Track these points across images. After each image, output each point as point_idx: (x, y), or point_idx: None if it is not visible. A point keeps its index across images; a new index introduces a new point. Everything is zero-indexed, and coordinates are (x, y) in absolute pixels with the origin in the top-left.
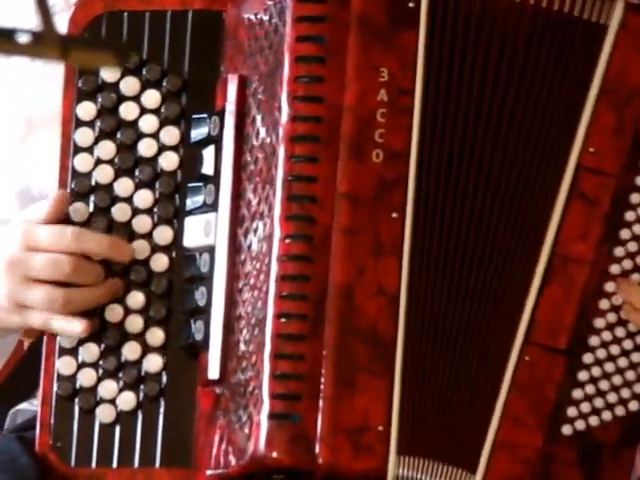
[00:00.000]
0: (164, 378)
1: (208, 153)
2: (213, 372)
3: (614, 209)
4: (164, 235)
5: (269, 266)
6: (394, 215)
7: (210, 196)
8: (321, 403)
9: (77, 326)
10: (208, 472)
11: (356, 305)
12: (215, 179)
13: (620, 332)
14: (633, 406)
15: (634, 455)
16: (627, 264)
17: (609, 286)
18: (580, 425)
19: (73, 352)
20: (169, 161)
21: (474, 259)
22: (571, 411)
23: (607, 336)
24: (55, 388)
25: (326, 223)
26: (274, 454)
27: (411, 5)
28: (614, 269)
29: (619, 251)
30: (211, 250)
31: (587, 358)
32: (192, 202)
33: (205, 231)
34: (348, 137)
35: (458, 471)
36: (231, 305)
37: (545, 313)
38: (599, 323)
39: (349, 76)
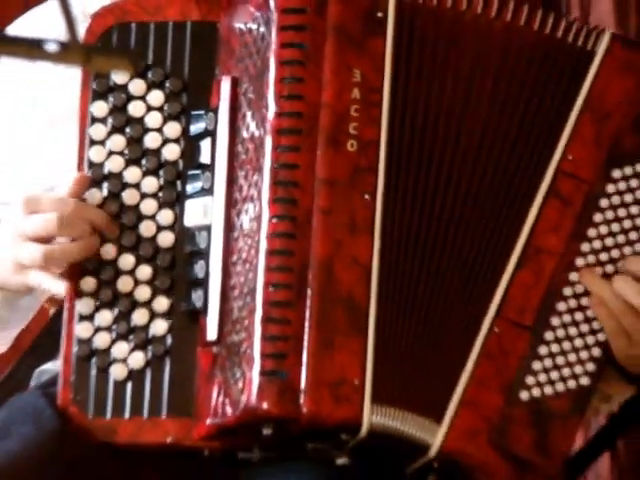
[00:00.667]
0: (169, 340)
1: (205, 145)
2: (211, 334)
3: (585, 210)
4: (168, 216)
5: (259, 242)
6: (367, 197)
7: (207, 182)
8: (305, 361)
9: (60, 286)
10: (208, 421)
11: (334, 276)
12: (211, 167)
13: (579, 316)
14: (584, 381)
15: (580, 424)
16: (591, 259)
17: (573, 276)
18: (536, 392)
19: (90, 318)
20: (171, 152)
21: (447, 239)
22: (530, 380)
23: (567, 319)
24: (75, 350)
25: (307, 205)
26: (264, 405)
27: (379, 15)
28: (579, 262)
29: (585, 247)
30: (208, 229)
31: (548, 336)
32: (192, 187)
33: (203, 212)
34: (326, 130)
35: (426, 421)
36: (226, 276)
37: (516, 293)
38: (561, 307)
39: (326, 77)
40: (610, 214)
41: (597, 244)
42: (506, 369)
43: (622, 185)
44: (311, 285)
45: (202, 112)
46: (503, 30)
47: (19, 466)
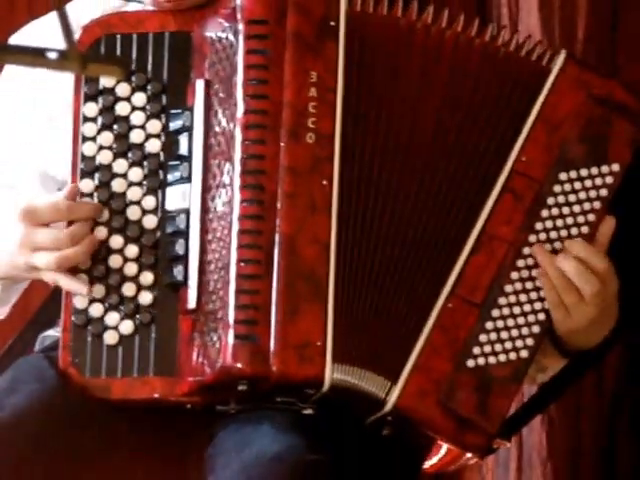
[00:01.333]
0: (154, 309)
1: (183, 139)
2: (191, 304)
3: (534, 206)
4: (151, 202)
5: (231, 223)
6: (324, 182)
7: (185, 171)
8: (273, 326)
9: (82, 287)
10: (189, 379)
11: (297, 252)
12: (189, 158)
13: (523, 298)
14: (523, 353)
15: (518, 391)
16: None
17: (520, 262)
18: (481, 361)
19: None
20: (154, 146)
21: (401, 224)
22: (476, 350)
23: (512, 299)
24: (73, 318)
25: (273, 190)
26: (239, 365)
27: (332, 24)
28: (526, 251)
29: (532, 238)
30: (187, 212)
31: (495, 313)
32: (172, 176)
33: (182, 197)
34: (288, 124)
35: (383, 380)
36: (203, 253)
37: (469, 274)
38: (508, 288)
39: (287, 78)
40: (555, 211)
41: (543, 236)
42: (456, 340)
43: (567, 187)
44: (277, 260)
45: (180, 111)
46: (454, 39)
47: (25, 418)
